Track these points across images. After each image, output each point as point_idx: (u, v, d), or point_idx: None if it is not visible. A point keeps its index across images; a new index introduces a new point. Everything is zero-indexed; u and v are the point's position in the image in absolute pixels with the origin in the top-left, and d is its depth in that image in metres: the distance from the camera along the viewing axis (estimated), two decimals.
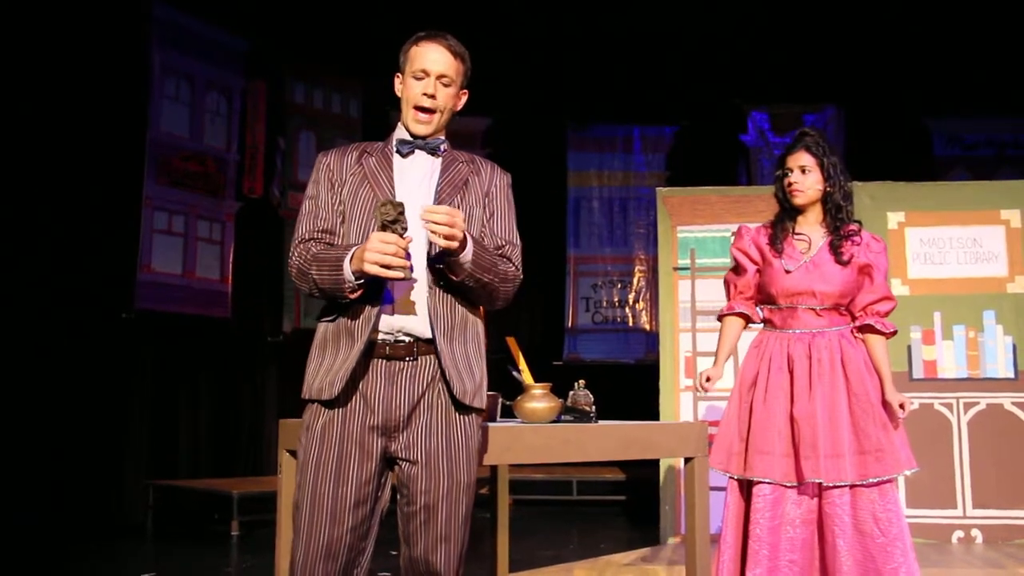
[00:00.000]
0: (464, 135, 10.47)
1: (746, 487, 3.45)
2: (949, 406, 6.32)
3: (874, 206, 6.57)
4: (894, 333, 3.59)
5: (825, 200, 3.60)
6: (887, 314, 3.57)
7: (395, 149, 2.66)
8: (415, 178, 2.60)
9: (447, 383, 2.41)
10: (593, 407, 3.15)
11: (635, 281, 10.49)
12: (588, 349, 10.35)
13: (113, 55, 7.48)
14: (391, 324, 2.45)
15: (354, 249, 2.37)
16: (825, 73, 9.71)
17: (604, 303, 10.50)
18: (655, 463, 6.50)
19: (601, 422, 3.11)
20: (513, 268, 2.59)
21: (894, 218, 6.58)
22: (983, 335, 6.38)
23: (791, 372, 3.47)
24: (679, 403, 6.49)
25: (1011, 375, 6.32)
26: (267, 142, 9.11)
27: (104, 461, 7.24)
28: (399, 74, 2.74)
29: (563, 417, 3.06)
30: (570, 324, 10.48)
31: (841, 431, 3.37)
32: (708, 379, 3.59)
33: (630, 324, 10.41)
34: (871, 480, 3.35)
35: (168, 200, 7.92)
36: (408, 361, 2.43)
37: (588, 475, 8.69)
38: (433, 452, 2.41)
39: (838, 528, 3.31)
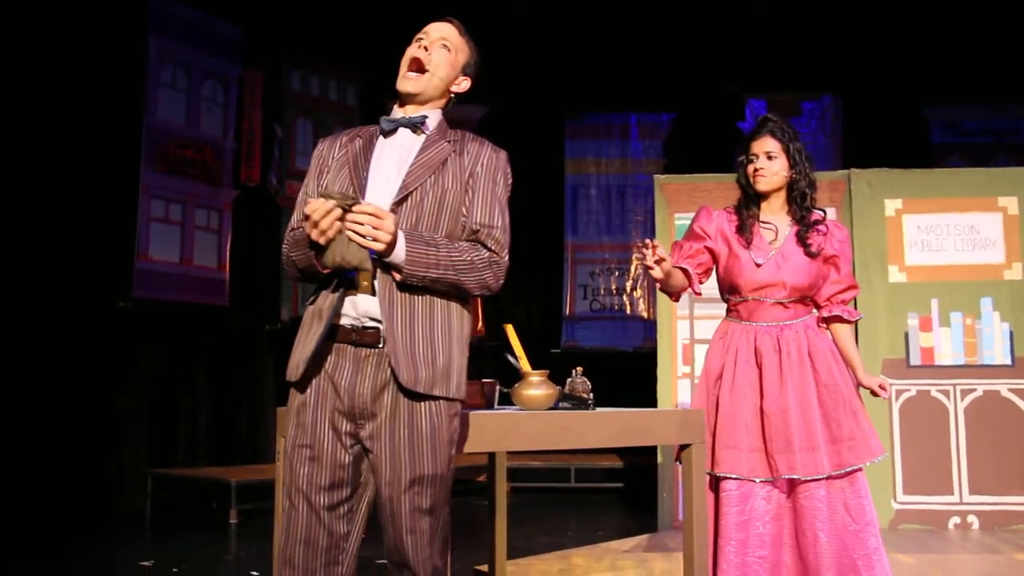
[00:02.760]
0: (460, 123, 10.41)
1: (714, 482, 3.39)
2: (946, 393, 6.34)
3: (872, 193, 6.57)
4: (859, 319, 3.58)
5: (791, 187, 3.51)
6: (851, 301, 3.57)
7: (380, 129, 2.61)
8: (393, 159, 2.55)
9: (394, 371, 2.35)
10: (591, 394, 3.15)
11: (633, 268, 10.49)
12: (586, 337, 10.36)
13: (110, 43, 7.45)
14: (357, 308, 2.41)
15: None
16: (823, 60, 9.69)
17: (602, 291, 10.50)
18: (653, 450, 6.52)
19: (599, 409, 3.11)
20: (487, 254, 2.52)
21: (892, 205, 6.59)
22: (980, 322, 6.39)
23: (759, 366, 3.41)
24: (677, 390, 6.50)
25: (1008, 362, 6.33)
26: (264, 130, 9.09)
27: (102, 450, 7.24)
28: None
29: (561, 404, 3.06)
30: (568, 312, 10.49)
31: (814, 423, 3.32)
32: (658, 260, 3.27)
33: (628, 312, 10.42)
34: (846, 469, 3.31)
35: (165, 188, 7.91)
36: (376, 349, 2.39)
37: (586, 462, 8.70)
38: (396, 443, 2.36)
39: (819, 522, 3.27)
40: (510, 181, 2.70)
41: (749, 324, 3.48)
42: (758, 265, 3.44)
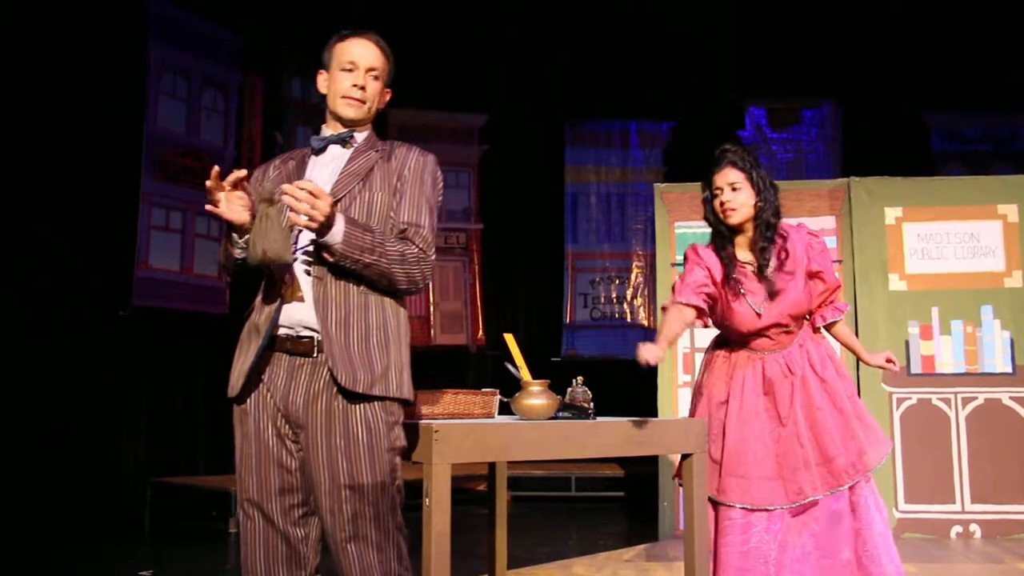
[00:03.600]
0: (462, 131, 10.48)
1: (715, 509, 3.37)
2: (947, 401, 6.33)
3: (871, 201, 6.57)
4: (847, 309, 3.63)
5: (757, 216, 3.40)
6: (838, 297, 3.56)
7: (311, 149, 2.73)
8: (324, 174, 2.62)
9: (332, 373, 2.37)
10: (591, 403, 3.14)
11: (633, 277, 10.48)
12: (586, 345, 10.36)
13: (110, 51, 7.46)
14: (291, 318, 2.46)
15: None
16: (823, 68, 9.70)
17: (602, 299, 10.50)
18: (654, 459, 6.51)
19: (599, 418, 3.10)
20: (415, 249, 2.52)
21: (891, 213, 6.58)
22: (981, 330, 6.38)
23: (772, 394, 3.39)
24: (677, 399, 6.49)
25: (1009, 370, 6.32)
26: (264, 137, 9.09)
27: (102, 458, 7.23)
28: (323, 71, 2.80)
29: (561, 413, 3.05)
30: (568, 320, 10.48)
31: (832, 435, 3.32)
32: (647, 363, 3.12)
33: (628, 320, 10.41)
34: (853, 481, 3.32)
35: (165, 196, 7.91)
36: (311, 357, 2.43)
37: (587, 471, 8.69)
38: (332, 451, 2.38)
39: (823, 536, 3.29)
40: (440, 184, 2.70)
41: (755, 353, 3.46)
42: (759, 315, 3.38)
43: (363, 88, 2.66)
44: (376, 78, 2.70)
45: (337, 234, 2.35)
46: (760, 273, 3.39)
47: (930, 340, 6.42)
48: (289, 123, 9.39)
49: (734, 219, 3.40)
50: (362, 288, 2.47)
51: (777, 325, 3.40)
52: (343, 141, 2.68)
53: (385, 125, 10.22)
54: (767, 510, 3.29)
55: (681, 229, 6.68)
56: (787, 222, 3.51)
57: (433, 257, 2.56)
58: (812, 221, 6.54)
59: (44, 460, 6.71)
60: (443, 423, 2.61)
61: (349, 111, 2.68)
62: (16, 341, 6.67)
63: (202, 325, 8.07)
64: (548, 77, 10.09)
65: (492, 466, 3.98)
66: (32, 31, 6.96)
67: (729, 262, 3.42)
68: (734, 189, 3.39)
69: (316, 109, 9.65)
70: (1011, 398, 6.28)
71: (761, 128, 10.27)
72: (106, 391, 7.27)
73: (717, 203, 3.44)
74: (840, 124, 10.15)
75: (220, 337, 8.58)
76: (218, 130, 8.58)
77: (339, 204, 2.49)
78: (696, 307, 3.38)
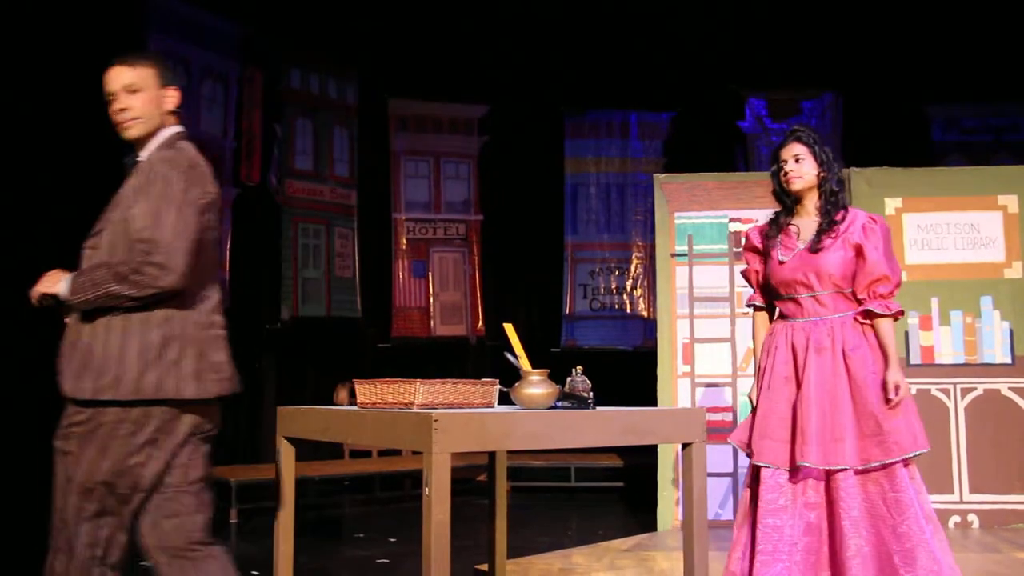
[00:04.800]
0: (462, 122, 10.47)
1: (756, 471, 3.53)
2: (946, 392, 6.33)
3: (871, 192, 6.57)
4: (900, 313, 3.57)
5: (821, 185, 3.63)
6: (890, 294, 3.54)
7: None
8: None
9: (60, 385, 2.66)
10: (591, 393, 3.14)
11: (632, 268, 10.49)
12: (586, 336, 10.37)
13: (109, 42, 7.44)
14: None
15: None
16: (823, 59, 9.69)
17: (602, 290, 10.51)
18: (653, 449, 6.51)
19: (599, 408, 3.11)
20: (137, 257, 2.60)
21: (891, 204, 6.58)
22: (980, 321, 6.38)
23: (795, 361, 3.53)
24: (677, 389, 6.50)
25: (1008, 360, 6.33)
26: (264, 129, 9.09)
27: None
28: None
29: (561, 403, 3.06)
30: (568, 311, 10.49)
31: (842, 416, 3.40)
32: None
33: (628, 311, 10.42)
34: (873, 464, 3.35)
35: None
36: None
37: (586, 461, 8.70)
38: (69, 455, 2.69)
39: (843, 511, 3.34)
40: (181, 177, 2.70)
41: (790, 321, 3.61)
42: (782, 263, 3.58)
43: (124, 109, 2.76)
44: (135, 90, 2.77)
45: (64, 291, 2.71)
46: (822, 231, 3.56)
47: (929, 331, 6.43)
48: (288, 114, 9.39)
49: (796, 186, 3.62)
50: (109, 316, 2.65)
51: (803, 285, 3.54)
52: (129, 166, 2.88)
53: (385, 117, 10.21)
54: (795, 469, 3.42)
55: (681, 220, 6.68)
56: (864, 212, 3.65)
57: (163, 256, 2.58)
58: None
59: (45, 453, 6.71)
60: (443, 412, 2.61)
61: (128, 134, 2.82)
62: (16, 333, 6.68)
63: None
64: (548, 68, 10.08)
65: (492, 456, 3.99)
66: (30, 22, 6.95)
67: (774, 222, 3.71)
68: (797, 160, 3.62)
69: (316, 100, 9.69)
70: (1010, 389, 6.29)
71: (761, 119, 10.26)
72: None
73: (782, 173, 3.66)
74: (840, 115, 10.15)
75: None
76: (218, 121, 8.58)
77: (99, 235, 2.81)
78: (757, 306, 3.80)
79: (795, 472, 3.43)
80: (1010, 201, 6.49)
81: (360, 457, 8.95)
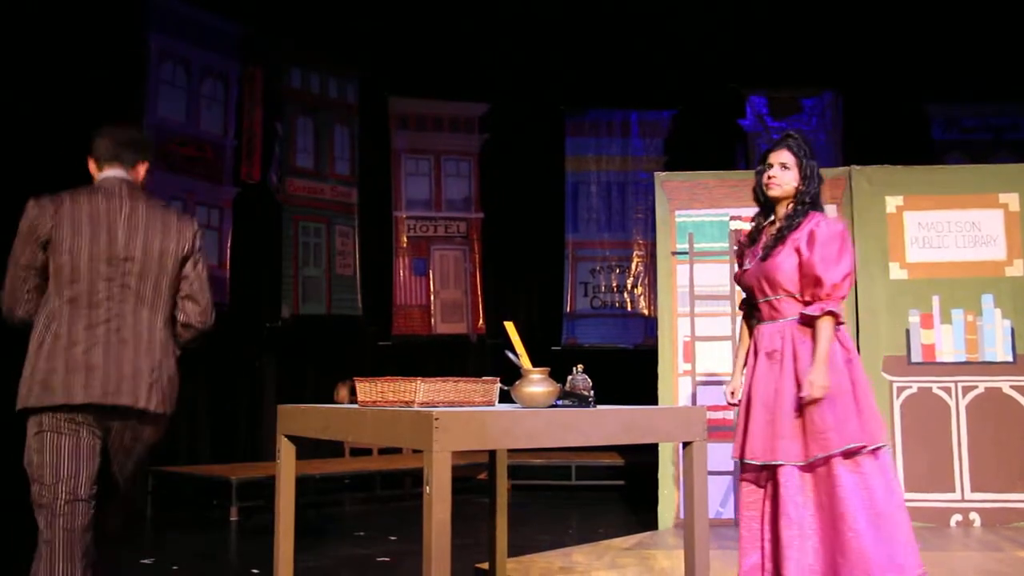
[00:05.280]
0: (463, 121, 10.47)
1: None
2: (948, 390, 6.32)
3: (872, 190, 6.56)
4: (834, 314, 3.54)
5: (796, 196, 3.73)
6: (828, 296, 3.54)
7: None
8: None
9: None
10: (591, 391, 3.14)
11: (633, 266, 10.48)
12: (586, 334, 10.36)
13: (110, 41, 7.45)
14: None
15: None
16: (824, 57, 9.69)
17: (602, 288, 10.50)
18: (653, 448, 6.51)
19: (600, 406, 3.11)
20: None
21: (892, 202, 6.57)
22: (982, 319, 6.37)
23: (754, 368, 3.71)
24: (678, 388, 6.49)
25: (1010, 359, 6.32)
26: (264, 128, 9.09)
27: None
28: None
29: (561, 402, 3.05)
30: (568, 309, 10.49)
31: (784, 415, 3.53)
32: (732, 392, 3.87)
33: (628, 309, 10.41)
34: (813, 459, 3.47)
35: (166, 186, 7.90)
36: None
37: (587, 460, 8.70)
38: None
39: (782, 504, 3.49)
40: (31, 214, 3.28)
41: (758, 323, 3.77)
42: (746, 270, 3.77)
43: None
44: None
45: None
46: (774, 239, 3.69)
47: (931, 329, 6.42)
48: (289, 113, 9.38)
49: (774, 192, 3.74)
50: None
51: (760, 290, 3.70)
52: None
53: (386, 115, 10.21)
54: (758, 467, 3.61)
55: (681, 218, 6.67)
56: (822, 215, 3.71)
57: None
58: None
59: None
60: (444, 411, 2.61)
61: None
62: (16, 332, 6.67)
63: None
64: (548, 66, 10.08)
65: (492, 454, 3.98)
66: (33, 21, 6.94)
67: (755, 227, 3.84)
68: (783, 168, 3.73)
69: (316, 99, 9.68)
70: (1011, 387, 6.28)
71: (762, 117, 10.26)
72: None
73: (764, 176, 3.77)
74: (841, 113, 10.14)
75: (220, 326, 8.60)
76: (218, 120, 8.57)
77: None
78: (745, 307, 3.92)
79: (760, 468, 3.62)
80: (1011, 199, 6.48)
81: (360, 455, 8.95)
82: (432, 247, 10.33)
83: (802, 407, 3.50)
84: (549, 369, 3.04)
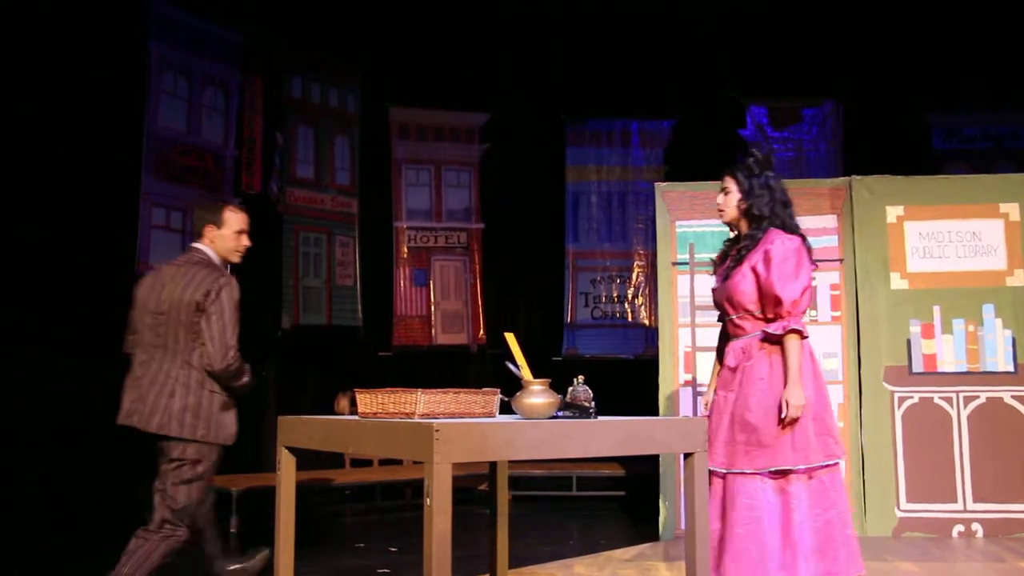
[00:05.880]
0: (463, 130, 10.48)
1: None
2: (949, 400, 6.32)
3: (873, 200, 6.56)
4: (797, 332, 3.60)
5: (746, 213, 3.80)
6: (789, 314, 3.60)
7: None
8: None
9: None
10: (592, 402, 3.13)
11: (634, 276, 10.48)
12: (587, 344, 10.35)
13: (110, 50, 7.46)
14: None
15: None
16: (824, 67, 9.70)
17: (603, 298, 10.50)
18: (654, 459, 6.50)
19: (601, 417, 3.10)
20: None
21: (893, 212, 6.57)
22: (983, 329, 6.37)
23: (725, 375, 3.80)
24: (679, 398, 6.49)
25: (1011, 369, 6.31)
26: (265, 137, 9.09)
27: (103, 458, 7.22)
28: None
29: (562, 413, 3.05)
30: (569, 319, 10.48)
31: (733, 426, 3.65)
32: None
33: (629, 319, 10.40)
34: (736, 471, 3.60)
35: (166, 195, 7.90)
36: None
37: (588, 471, 8.68)
38: None
39: (724, 509, 3.63)
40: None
41: (729, 339, 3.85)
42: (714, 289, 3.90)
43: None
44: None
45: None
46: (734, 259, 3.79)
47: (932, 339, 6.42)
48: (289, 122, 9.39)
49: (723, 218, 3.87)
50: None
51: (724, 309, 3.81)
52: None
53: (386, 125, 10.22)
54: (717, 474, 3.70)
55: (682, 228, 6.68)
56: (779, 232, 3.72)
57: None
58: (813, 220, 6.53)
59: (46, 459, 6.71)
60: (444, 422, 2.60)
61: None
62: (17, 340, 6.67)
63: None
64: (549, 76, 10.09)
65: (493, 465, 3.97)
66: (34, 30, 6.95)
67: (726, 246, 3.93)
68: (725, 193, 3.83)
69: (317, 108, 9.69)
70: (1013, 397, 6.28)
71: (762, 127, 10.26)
72: (107, 391, 7.25)
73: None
74: (841, 123, 10.15)
75: None
76: (218, 129, 8.58)
77: None
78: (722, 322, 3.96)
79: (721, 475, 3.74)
80: (1011, 209, 6.49)
81: (361, 466, 8.92)
82: (433, 257, 10.33)
83: (744, 421, 3.61)
84: (550, 380, 3.04)
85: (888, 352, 6.40)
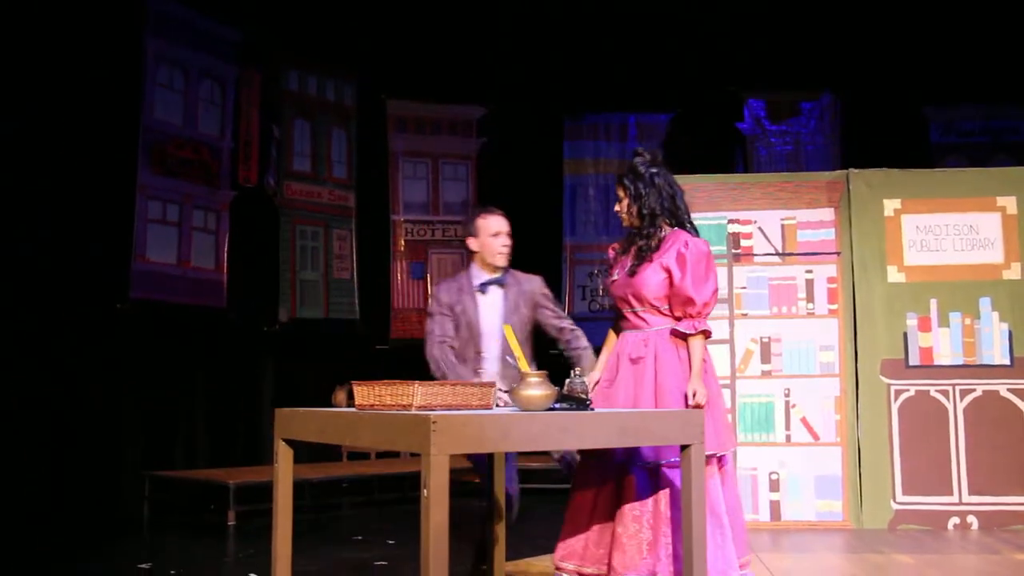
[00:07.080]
0: (460, 124, 10.46)
1: None
2: (945, 393, 6.33)
3: (871, 193, 6.56)
4: (707, 333, 3.75)
5: (638, 214, 3.94)
6: (699, 315, 3.75)
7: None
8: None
9: None
10: (589, 395, 3.14)
11: None
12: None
13: (107, 44, 7.44)
14: None
15: None
16: (822, 60, 9.69)
17: (600, 291, 10.46)
18: None
19: (597, 410, 3.10)
20: None
21: (890, 205, 6.57)
22: (979, 322, 6.37)
23: (617, 368, 3.87)
24: None
25: (1007, 362, 6.32)
26: (261, 131, 9.08)
27: (100, 452, 7.23)
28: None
29: (559, 405, 3.05)
30: (566, 312, 10.47)
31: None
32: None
33: None
34: (660, 462, 3.65)
35: (162, 189, 7.89)
36: None
37: None
38: None
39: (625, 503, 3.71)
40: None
41: (622, 332, 3.97)
42: (613, 282, 4.03)
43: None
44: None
45: None
46: (636, 255, 3.91)
47: (928, 332, 6.42)
48: (286, 116, 9.38)
49: (624, 223, 4.03)
50: None
51: (626, 302, 3.92)
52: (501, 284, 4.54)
53: (384, 118, 10.21)
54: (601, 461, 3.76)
55: None
56: (687, 234, 3.89)
57: None
58: (811, 213, 6.54)
59: (42, 453, 6.71)
60: (441, 414, 2.60)
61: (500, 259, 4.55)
62: (13, 333, 6.67)
63: (199, 318, 8.06)
64: (546, 70, 10.07)
65: (490, 457, 3.98)
66: (30, 25, 6.94)
67: (626, 241, 4.10)
68: (619, 200, 4.00)
69: (313, 102, 9.68)
70: (1009, 390, 6.28)
71: (760, 120, 10.26)
72: (104, 384, 7.26)
73: None
74: (839, 116, 10.14)
75: (217, 330, 8.61)
76: (215, 122, 8.57)
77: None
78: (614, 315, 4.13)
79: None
80: (1009, 202, 6.49)
81: (358, 459, 8.93)
82: (430, 250, 10.33)
83: (662, 406, 3.69)
84: (547, 372, 3.04)
85: (885, 345, 6.40)
